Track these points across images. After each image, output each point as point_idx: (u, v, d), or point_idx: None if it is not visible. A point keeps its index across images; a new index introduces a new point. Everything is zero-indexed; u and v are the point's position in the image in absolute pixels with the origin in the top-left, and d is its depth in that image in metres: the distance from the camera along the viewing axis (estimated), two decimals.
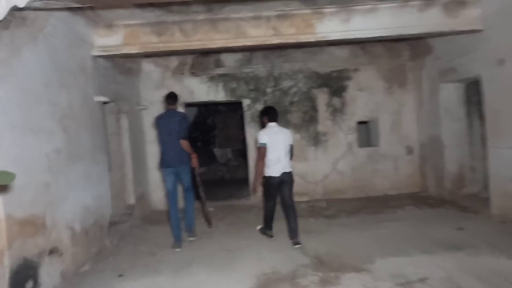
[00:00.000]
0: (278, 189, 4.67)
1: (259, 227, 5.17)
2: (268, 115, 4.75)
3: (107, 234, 4.93)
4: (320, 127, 7.31)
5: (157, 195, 7.10)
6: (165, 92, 6.70)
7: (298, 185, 7.13)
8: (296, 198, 6.69)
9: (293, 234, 4.59)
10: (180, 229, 4.76)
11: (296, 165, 7.20)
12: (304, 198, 7.18)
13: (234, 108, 11.38)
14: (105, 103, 5.39)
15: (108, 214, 5.01)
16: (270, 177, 4.59)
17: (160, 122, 4.83)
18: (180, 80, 7.20)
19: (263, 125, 4.90)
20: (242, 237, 4.98)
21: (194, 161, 4.80)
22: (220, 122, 12.54)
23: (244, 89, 7.26)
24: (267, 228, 4.92)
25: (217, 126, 12.57)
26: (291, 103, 7.28)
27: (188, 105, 7.58)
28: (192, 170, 4.85)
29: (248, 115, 7.32)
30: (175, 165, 4.71)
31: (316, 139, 7.31)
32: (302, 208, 6.48)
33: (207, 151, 12.04)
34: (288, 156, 4.66)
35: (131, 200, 6.10)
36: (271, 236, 4.85)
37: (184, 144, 4.68)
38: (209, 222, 5.33)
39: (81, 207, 4.29)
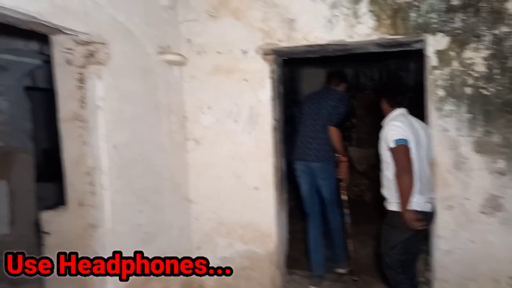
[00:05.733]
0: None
1: None
2: (390, 96, 2.60)
3: None
4: None
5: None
6: (229, 24, 2.83)
7: None
8: None
9: None
10: (321, 253, 3.36)
11: None
12: None
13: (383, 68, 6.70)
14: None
15: None
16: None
17: (307, 101, 3.47)
18: None
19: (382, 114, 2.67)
20: None
21: (342, 169, 3.33)
22: (361, 102, 7.82)
23: (434, 9, 2.58)
24: None
25: (356, 110, 7.92)
26: None
27: (279, 54, 3.20)
28: (337, 180, 3.38)
29: (438, 77, 2.64)
30: (308, 159, 3.29)
31: None
32: None
33: None
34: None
35: None
36: None
37: (333, 133, 3.23)
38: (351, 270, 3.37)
39: None
